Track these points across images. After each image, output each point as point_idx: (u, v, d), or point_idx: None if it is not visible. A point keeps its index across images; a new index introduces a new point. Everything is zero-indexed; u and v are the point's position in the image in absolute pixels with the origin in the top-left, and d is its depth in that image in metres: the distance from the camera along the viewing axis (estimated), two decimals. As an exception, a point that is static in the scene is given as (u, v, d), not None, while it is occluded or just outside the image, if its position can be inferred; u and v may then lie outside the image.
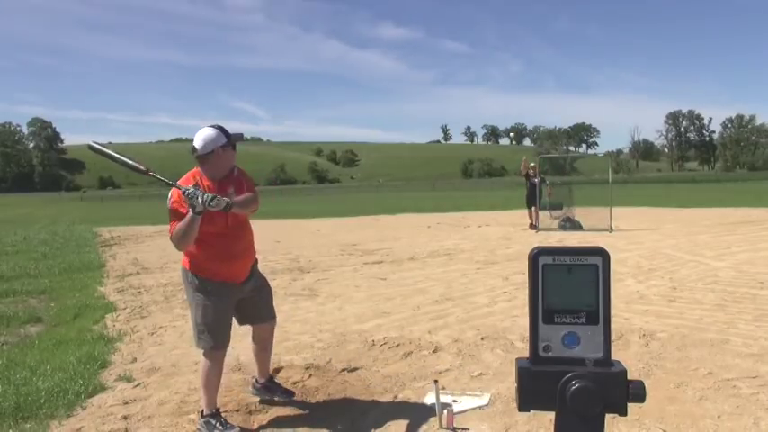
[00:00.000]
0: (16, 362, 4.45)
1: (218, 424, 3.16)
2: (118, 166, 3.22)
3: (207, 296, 3.17)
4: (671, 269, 7.80)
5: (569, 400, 0.80)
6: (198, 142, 3.09)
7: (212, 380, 3.21)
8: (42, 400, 3.58)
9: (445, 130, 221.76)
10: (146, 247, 12.69)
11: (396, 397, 3.60)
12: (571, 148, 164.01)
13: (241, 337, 4.98)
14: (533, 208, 14.28)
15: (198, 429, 3.21)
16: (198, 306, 3.18)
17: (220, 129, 3.16)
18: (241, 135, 3.42)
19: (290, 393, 3.63)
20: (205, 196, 2.89)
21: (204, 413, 3.21)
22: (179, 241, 3.06)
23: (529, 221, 14.35)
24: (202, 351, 3.23)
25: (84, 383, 3.87)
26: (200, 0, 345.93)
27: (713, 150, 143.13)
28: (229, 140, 3.16)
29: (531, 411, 0.85)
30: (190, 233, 2.99)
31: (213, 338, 3.18)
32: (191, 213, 2.94)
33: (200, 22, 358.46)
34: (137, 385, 3.93)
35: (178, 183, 3.10)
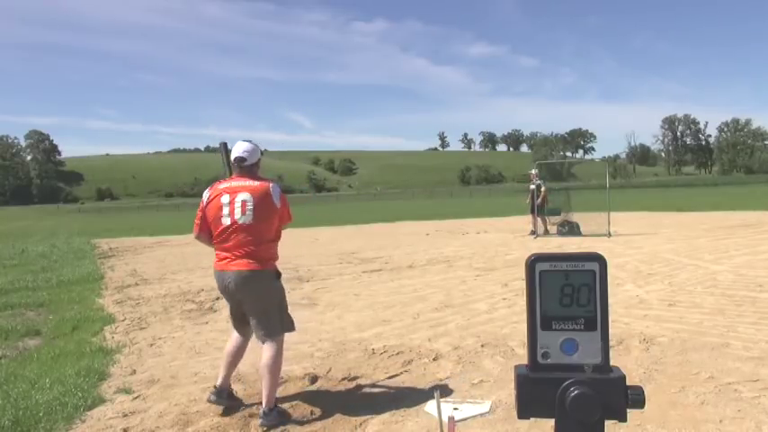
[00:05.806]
0: (15, 375, 4.43)
1: (285, 412, 3.43)
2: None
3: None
4: (670, 273, 7.80)
5: (568, 407, 0.80)
6: (245, 153, 3.51)
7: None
8: (41, 414, 3.56)
9: (442, 138, 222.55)
10: (144, 259, 12.68)
11: (397, 405, 3.58)
12: (568, 154, 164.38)
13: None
14: (535, 214, 14.30)
15: (269, 423, 3.29)
16: (283, 295, 3.58)
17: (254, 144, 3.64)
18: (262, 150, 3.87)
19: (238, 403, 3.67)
20: None
21: (276, 405, 3.40)
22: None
23: (531, 228, 14.37)
24: (277, 339, 3.47)
25: (83, 396, 3.85)
26: None
27: (710, 154, 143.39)
28: (261, 154, 3.66)
29: (532, 418, 0.84)
30: None
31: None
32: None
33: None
34: (136, 397, 3.91)
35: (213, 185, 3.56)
